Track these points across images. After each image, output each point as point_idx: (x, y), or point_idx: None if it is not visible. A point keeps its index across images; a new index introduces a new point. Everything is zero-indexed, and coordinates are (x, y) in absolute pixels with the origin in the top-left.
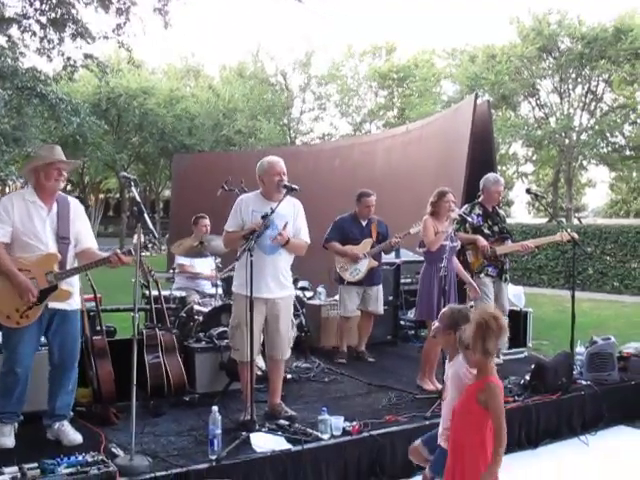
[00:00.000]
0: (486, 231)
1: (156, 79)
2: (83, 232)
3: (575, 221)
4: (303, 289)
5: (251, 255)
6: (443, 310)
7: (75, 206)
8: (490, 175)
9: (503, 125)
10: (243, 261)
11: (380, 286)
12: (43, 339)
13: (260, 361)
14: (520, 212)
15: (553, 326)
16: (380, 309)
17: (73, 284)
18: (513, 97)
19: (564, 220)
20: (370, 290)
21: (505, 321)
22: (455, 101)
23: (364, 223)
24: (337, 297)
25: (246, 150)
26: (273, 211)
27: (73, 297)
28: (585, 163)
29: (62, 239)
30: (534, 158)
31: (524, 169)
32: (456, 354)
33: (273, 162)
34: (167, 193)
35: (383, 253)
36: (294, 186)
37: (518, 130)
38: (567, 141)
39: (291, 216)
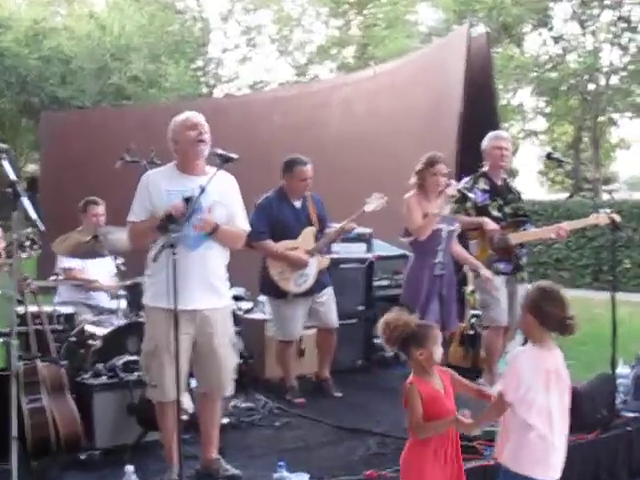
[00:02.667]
0: (495, 212)
1: (14, 6)
2: None
3: (604, 196)
4: (237, 299)
5: (174, 253)
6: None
7: None
8: (490, 133)
9: (505, 66)
10: (162, 262)
11: (330, 288)
12: None
13: (187, 401)
14: (529, 185)
15: (580, 340)
16: (335, 321)
17: None
18: (518, 27)
19: (587, 194)
20: (320, 297)
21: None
22: (439, 34)
23: (298, 204)
24: (270, 314)
25: (146, 104)
26: (204, 190)
27: None
28: (616, 117)
29: None
30: (547, 110)
31: (533, 125)
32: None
33: (187, 115)
34: (32, 167)
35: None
36: (232, 155)
37: (525, 72)
38: (592, 87)
39: (222, 194)
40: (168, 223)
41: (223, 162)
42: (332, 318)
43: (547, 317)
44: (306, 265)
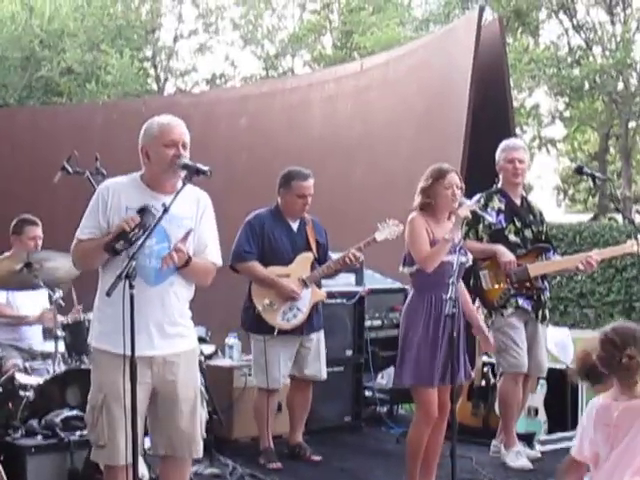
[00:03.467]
0: (512, 237)
1: None
2: None
3: (637, 218)
4: (198, 341)
5: (131, 286)
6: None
7: None
8: (503, 142)
9: (517, 60)
10: (114, 295)
11: (321, 333)
12: None
13: (141, 466)
14: (544, 204)
15: None
16: (323, 372)
17: None
18: (533, 13)
19: (617, 217)
20: (308, 341)
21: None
22: (438, 21)
23: (295, 225)
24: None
25: (83, 102)
26: (167, 209)
27: None
28: None
29: None
30: (567, 114)
31: (550, 132)
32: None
33: (167, 124)
34: None
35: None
36: (202, 167)
37: (542, 68)
38: (621, 86)
39: (192, 218)
40: (118, 242)
41: (192, 174)
42: (320, 368)
43: (600, 361)
44: (297, 296)
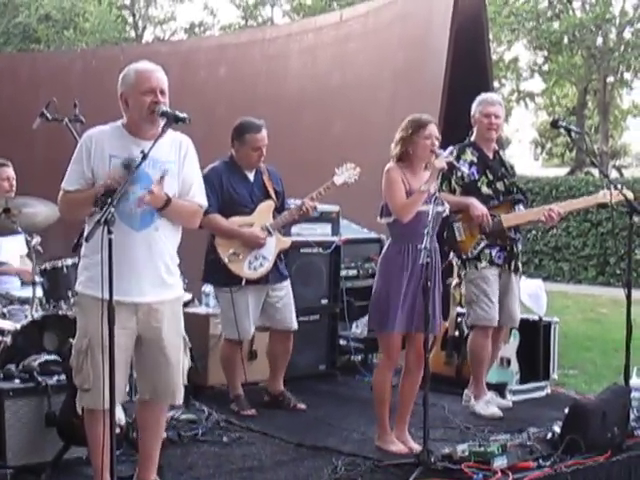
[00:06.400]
0: (485, 189)
1: None
2: None
3: (613, 172)
4: None
5: (110, 231)
6: None
7: None
8: (479, 96)
9: (498, 12)
10: (98, 242)
11: (288, 282)
12: None
13: (118, 410)
14: (521, 158)
15: (583, 345)
16: (293, 322)
17: None
18: None
19: (594, 171)
20: (275, 291)
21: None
22: None
23: (251, 176)
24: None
25: (62, 49)
26: (146, 156)
27: None
28: (629, 77)
29: None
30: (546, 68)
31: (529, 86)
32: None
33: (144, 71)
34: None
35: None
36: (181, 114)
37: (522, 21)
38: (600, 41)
39: (175, 162)
40: (107, 198)
41: (170, 122)
42: (291, 318)
43: None
44: (263, 243)
